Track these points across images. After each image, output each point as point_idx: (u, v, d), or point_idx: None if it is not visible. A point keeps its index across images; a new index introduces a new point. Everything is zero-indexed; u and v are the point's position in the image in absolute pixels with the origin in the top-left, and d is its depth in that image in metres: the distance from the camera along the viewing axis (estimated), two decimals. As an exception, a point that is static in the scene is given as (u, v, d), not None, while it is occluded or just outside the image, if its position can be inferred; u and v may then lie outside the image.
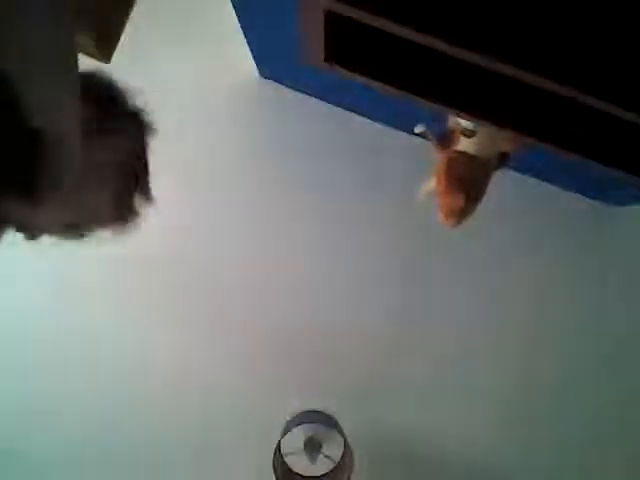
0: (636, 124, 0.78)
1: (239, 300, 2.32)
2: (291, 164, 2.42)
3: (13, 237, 0.72)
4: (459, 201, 1.35)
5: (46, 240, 0.79)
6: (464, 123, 1.31)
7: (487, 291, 2.40)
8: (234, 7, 1.84)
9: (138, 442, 2.27)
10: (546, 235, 2.44)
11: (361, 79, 0.96)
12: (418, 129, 1.49)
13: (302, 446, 2.24)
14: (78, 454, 2.26)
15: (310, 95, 2.39)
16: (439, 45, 0.75)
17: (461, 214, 1.38)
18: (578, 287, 2.41)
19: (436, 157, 1.43)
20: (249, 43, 2.14)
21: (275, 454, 2.11)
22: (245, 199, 2.40)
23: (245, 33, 2.04)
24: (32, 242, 0.77)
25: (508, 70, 0.75)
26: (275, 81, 2.41)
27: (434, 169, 1.43)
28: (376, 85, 0.97)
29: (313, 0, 0.79)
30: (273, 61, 2.24)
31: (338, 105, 2.40)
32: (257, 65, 2.35)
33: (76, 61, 0.71)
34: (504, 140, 1.35)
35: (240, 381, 2.29)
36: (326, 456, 2.24)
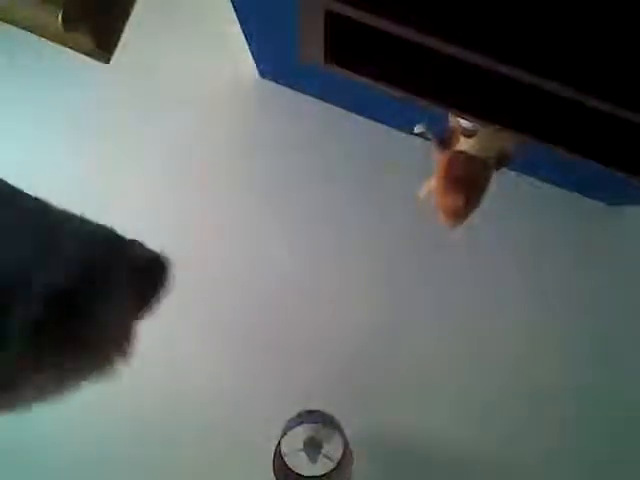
0: (636, 124, 0.77)
1: (238, 300, 2.32)
2: (291, 164, 2.42)
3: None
4: (459, 201, 1.35)
5: None
6: (464, 123, 1.31)
7: (487, 291, 2.40)
8: (234, 7, 1.84)
9: (137, 441, 2.26)
10: (546, 235, 2.44)
11: (361, 79, 0.96)
12: (418, 129, 1.49)
13: (302, 446, 2.23)
14: (79, 457, 2.26)
15: (310, 95, 2.39)
16: (439, 45, 0.75)
17: (461, 214, 1.38)
18: (578, 287, 2.41)
19: (436, 157, 1.43)
20: (249, 43, 2.14)
21: (275, 454, 2.11)
22: (244, 199, 2.40)
23: (245, 33, 2.05)
24: None
25: (508, 70, 0.75)
26: (275, 81, 2.42)
27: (434, 169, 1.43)
28: (376, 85, 0.97)
29: (313, 0, 0.79)
30: (273, 61, 2.25)
31: (338, 105, 2.41)
32: (257, 65, 2.35)
33: None
34: (504, 140, 1.35)
35: (240, 381, 2.29)
36: (326, 456, 2.24)
